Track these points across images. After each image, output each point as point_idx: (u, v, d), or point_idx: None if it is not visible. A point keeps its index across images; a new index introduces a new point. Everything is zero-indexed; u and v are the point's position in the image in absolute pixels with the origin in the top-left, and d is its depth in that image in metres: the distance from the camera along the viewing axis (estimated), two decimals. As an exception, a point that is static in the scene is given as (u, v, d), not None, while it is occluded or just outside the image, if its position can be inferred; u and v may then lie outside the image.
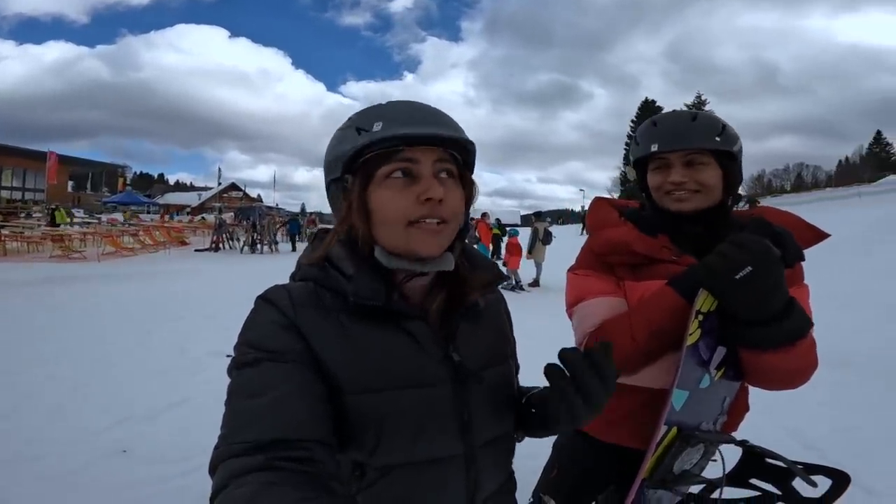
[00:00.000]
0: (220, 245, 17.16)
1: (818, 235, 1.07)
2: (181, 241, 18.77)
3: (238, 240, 18.05)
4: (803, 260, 0.99)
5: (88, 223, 21.81)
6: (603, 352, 0.70)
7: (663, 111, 1.25)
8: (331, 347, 0.65)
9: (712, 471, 1.01)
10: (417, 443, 0.66)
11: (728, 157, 1.04)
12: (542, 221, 10.43)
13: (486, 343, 0.78)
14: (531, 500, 1.24)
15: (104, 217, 26.54)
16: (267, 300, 0.68)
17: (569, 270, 1.18)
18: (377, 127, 0.67)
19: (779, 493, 0.95)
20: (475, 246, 11.33)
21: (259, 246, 17.10)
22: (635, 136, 1.13)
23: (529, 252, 9.88)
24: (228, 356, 0.65)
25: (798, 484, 0.92)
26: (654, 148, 1.05)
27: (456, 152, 0.71)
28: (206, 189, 52.45)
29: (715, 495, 0.96)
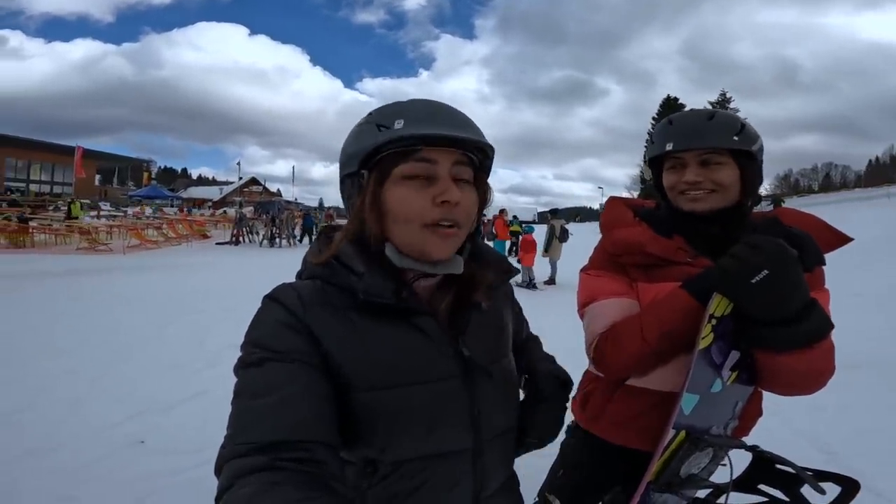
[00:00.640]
0: (241, 238, 17.40)
1: (841, 238, 1.03)
2: (203, 235, 19.10)
3: (257, 233, 18.28)
4: (824, 264, 0.96)
5: (114, 216, 22.34)
6: None
7: (685, 109, 1.23)
8: (341, 345, 0.65)
9: (720, 475, 1.00)
10: (428, 438, 0.67)
11: (746, 157, 1.01)
12: (559, 219, 10.34)
13: (494, 337, 0.79)
14: (536, 499, 1.24)
15: (130, 210, 27.12)
16: (274, 299, 0.68)
17: (581, 270, 1.17)
18: (398, 125, 0.66)
19: (787, 499, 0.93)
20: (492, 243, 11.37)
21: (278, 240, 17.30)
22: (651, 135, 1.12)
23: (546, 250, 9.80)
24: None
25: (807, 490, 0.91)
26: (669, 147, 1.03)
27: (474, 155, 0.71)
28: (227, 183, 53.17)
29: (721, 501, 0.95)
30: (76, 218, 16.68)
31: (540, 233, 10.14)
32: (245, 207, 21.47)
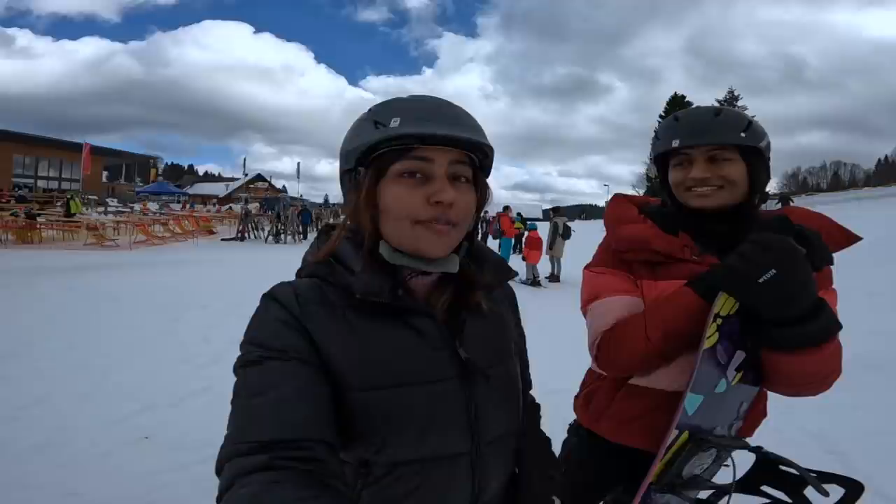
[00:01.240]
0: (246, 235, 17.47)
1: (849, 237, 1.02)
2: (209, 231, 19.19)
3: (263, 229, 18.34)
4: (832, 264, 0.95)
5: (122, 212, 22.48)
6: None
7: (692, 106, 1.22)
8: (337, 344, 0.65)
9: (723, 476, 1.00)
10: (424, 440, 0.66)
11: (754, 153, 1.00)
12: (561, 216, 10.34)
13: (492, 339, 0.77)
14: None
15: (137, 206, 27.26)
16: (272, 297, 0.68)
17: (585, 268, 1.16)
18: (394, 123, 0.66)
19: (790, 500, 0.93)
20: (497, 241, 11.34)
21: (283, 236, 17.35)
22: (656, 132, 1.11)
23: (550, 247, 9.80)
24: None
25: (811, 492, 0.90)
26: (676, 143, 1.02)
27: (473, 154, 0.70)
28: (233, 180, 53.35)
29: (723, 502, 0.94)
30: (74, 214, 16.68)
31: (542, 230, 10.12)
32: (251, 204, 21.50)
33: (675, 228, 1.06)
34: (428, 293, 0.73)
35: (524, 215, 14.32)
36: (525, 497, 0.80)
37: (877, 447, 2.72)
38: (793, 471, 0.90)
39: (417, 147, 0.65)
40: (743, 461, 0.97)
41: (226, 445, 0.56)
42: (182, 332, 5.08)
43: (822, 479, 0.89)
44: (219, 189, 49.80)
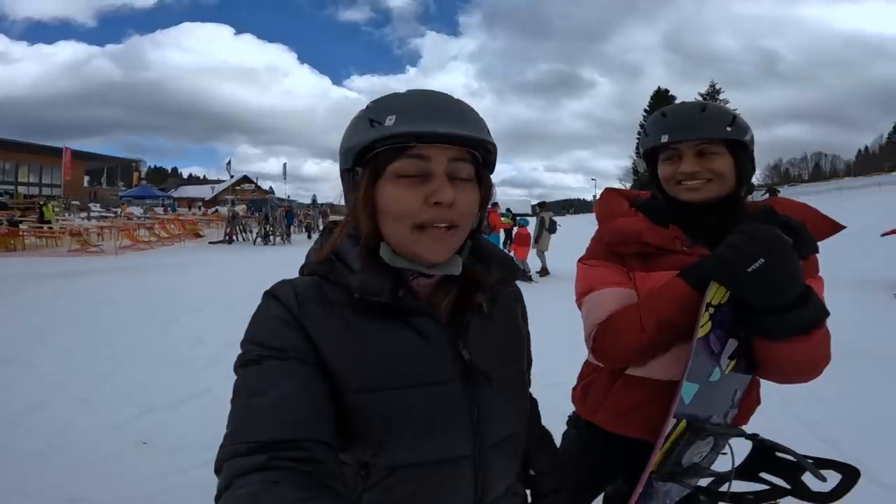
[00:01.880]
0: (234, 237, 17.31)
1: (833, 227, 1.04)
2: (196, 234, 18.99)
3: (251, 231, 18.19)
4: (817, 252, 0.98)
5: (104, 217, 22.15)
6: None
7: (675, 101, 1.24)
8: (335, 344, 0.64)
9: (721, 464, 1.01)
10: (424, 442, 0.65)
11: (740, 147, 1.03)
12: (547, 211, 10.42)
13: (498, 340, 0.75)
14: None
15: (120, 211, 26.89)
16: (272, 296, 0.67)
17: (579, 261, 1.17)
18: (390, 121, 0.63)
19: (788, 487, 0.94)
20: (486, 236, 11.32)
21: (272, 237, 17.23)
22: (644, 128, 1.12)
23: (536, 241, 9.87)
24: None
25: (808, 478, 0.92)
26: (665, 139, 1.04)
27: (475, 150, 0.68)
28: (219, 182, 52.75)
29: (724, 489, 0.96)
30: (49, 221, 16.35)
31: (531, 225, 10.19)
32: (237, 206, 21.30)
33: (666, 221, 1.08)
34: (431, 293, 0.71)
35: (513, 211, 14.36)
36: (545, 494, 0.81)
37: (868, 435, 2.77)
38: (790, 457, 0.91)
39: (414, 145, 0.63)
40: (740, 449, 0.99)
41: (225, 445, 0.55)
42: (177, 336, 5.05)
43: (819, 465, 0.90)
44: (204, 192, 49.27)
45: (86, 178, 40.92)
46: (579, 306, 1.14)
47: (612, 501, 1.23)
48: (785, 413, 2.96)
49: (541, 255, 9.95)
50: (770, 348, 0.91)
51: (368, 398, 0.63)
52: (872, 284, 6.90)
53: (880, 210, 12.48)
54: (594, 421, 1.18)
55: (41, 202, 19.37)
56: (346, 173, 0.70)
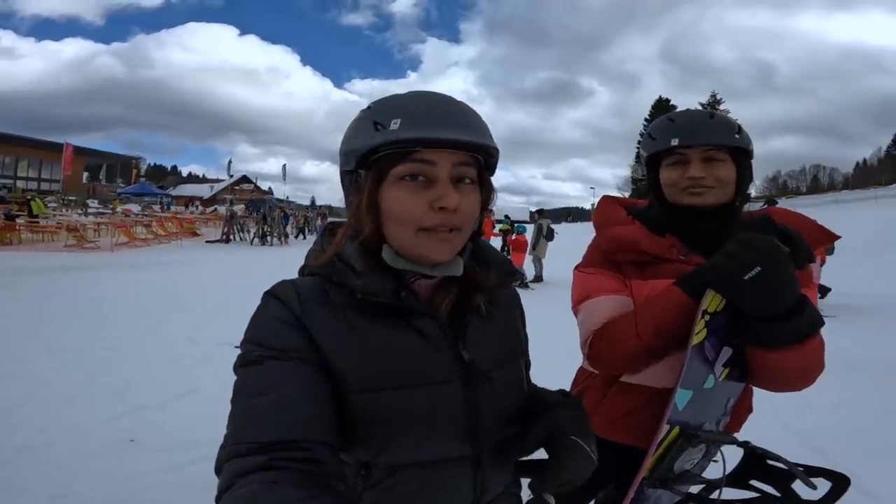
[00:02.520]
0: (231, 236, 17.28)
1: (829, 237, 1.06)
2: (193, 233, 18.95)
3: (248, 231, 18.16)
4: (813, 262, 0.99)
5: (102, 213, 22.10)
6: None
7: (676, 110, 1.25)
8: (336, 345, 0.64)
9: (713, 471, 1.01)
10: (424, 443, 0.65)
11: (744, 155, 1.04)
12: (546, 218, 10.47)
13: (497, 342, 0.75)
14: (530, 496, 1.24)
15: (119, 207, 26.82)
16: (273, 296, 0.67)
17: (575, 268, 1.18)
18: (395, 125, 0.63)
19: (778, 494, 0.95)
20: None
21: (269, 238, 17.21)
22: (649, 132, 1.12)
23: (533, 248, 9.89)
24: (237, 348, 0.65)
25: (798, 486, 0.92)
26: (675, 142, 1.04)
27: (477, 154, 0.68)
28: (218, 181, 52.69)
29: (714, 496, 0.96)
30: (37, 216, 16.13)
31: (528, 232, 10.23)
32: (236, 205, 21.27)
33: (662, 229, 1.09)
34: (431, 294, 0.72)
35: (511, 218, 14.38)
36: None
37: (857, 444, 2.77)
38: (781, 465, 0.92)
39: (419, 150, 0.63)
40: (731, 457, 0.99)
41: (225, 445, 0.55)
42: (169, 334, 5.02)
43: (810, 473, 0.91)
44: (203, 190, 49.15)
45: (85, 175, 40.84)
46: (575, 313, 1.14)
47: (604, 507, 1.22)
48: (774, 422, 2.96)
49: (537, 262, 9.97)
50: (764, 356, 0.91)
51: (370, 398, 0.63)
52: (867, 297, 6.92)
53: (879, 223, 12.52)
54: None
55: (29, 197, 19.02)
56: (347, 175, 0.70)
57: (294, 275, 0.74)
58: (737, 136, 1.02)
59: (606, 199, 1.24)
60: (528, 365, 0.87)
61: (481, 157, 0.69)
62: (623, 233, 1.10)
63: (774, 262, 0.82)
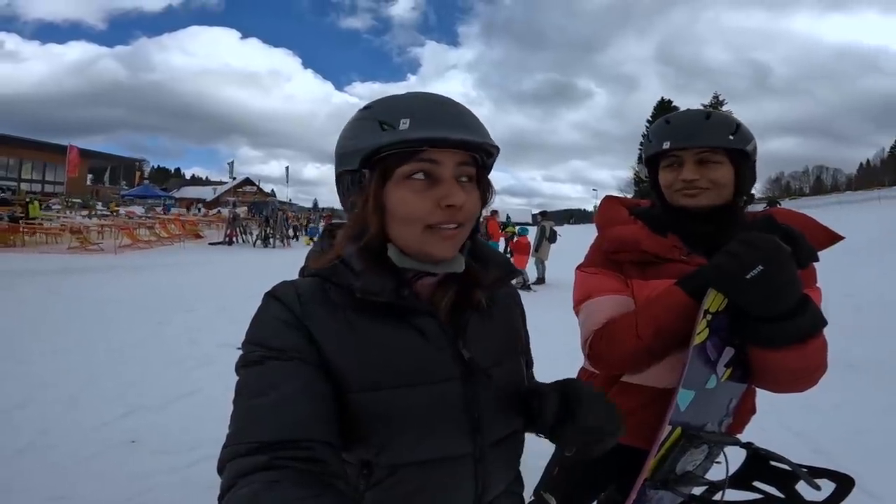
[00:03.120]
0: (234, 239, 17.32)
1: (832, 237, 1.05)
2: (196, 235, 18.99)
3: (251, 234, 18.19)
4: (817, 261, 0.98)
5: (105, 215, 22.17)
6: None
7: (678, 110, 1.24)
8: (337, 344, 0.64)
9: (716, 472, 1.00)
10: (426, 441, 0.65)
11: (741, 156, 1.03)
12: (548, 220, 10.45)
13: (497, 339, 0.76)
14: (532, 498, 1.24)
15: (122, 210, 26.89)
16: (274, 297, 0.67)
17: (577, 268, 1.18)
18: (404, 125, 0.64)
19: (782, 496, 0.94)
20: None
21: (272, 240, 17.23)
22: (647, 134, 1.12)
23: (536, 250, 9.88)
24: (238, 349, 0.66)
25: (802, 487, 0.91)
26: (667, 145, 1.04)
27: (477, 154, 0.69)
28: (221, 183, 52.82)
29: (717, 497, 0.95)
30: (34, 219, 16.05)
31: (530, 234, 10.22)
32: (239, 208, 21.32)
33: (665, 230, 1.08)
34: (431, 293, 0.72)
35: (512, 219, 14.38)
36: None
37: (860, 445, 2.75)
38: (784, 466, 0.91)
39: (426, 150, 0.64)
40: (735, 458, 0.98)
41: (227, 445, 0.56)
42: (170, 336, 5.02)
43: (813, 474, 0.90)
44: (206, 192, 49.28)
45: (89, 177, 40.97)
46: (576, 313, 1.14)
47: (606, 509, 1.22)
48: (777, 423, 2.94)
49: (539, 264, 9.96)
50: (766, 356, 0.91)
51: (370, 397, 0.64)
52: (870, 298, 6.88)
53: (883, 223, 12.46)
54: None
55: (27, 199, 18.98)
56: (347, 175, 0.69)
57: (296, 276, 0.75)
58: (731, 136, 1.01)
59: (609, 199, 1.24)
60: (529, 363, 0.88)
61: (479, 156, 0.70)
62: (625, 232, 1.10)
63: (776, 261, 0.81)
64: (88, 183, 40.36)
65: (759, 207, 1.25)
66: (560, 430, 0.72)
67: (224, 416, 0.59)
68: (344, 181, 0.71)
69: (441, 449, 0.67)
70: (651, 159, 1.11)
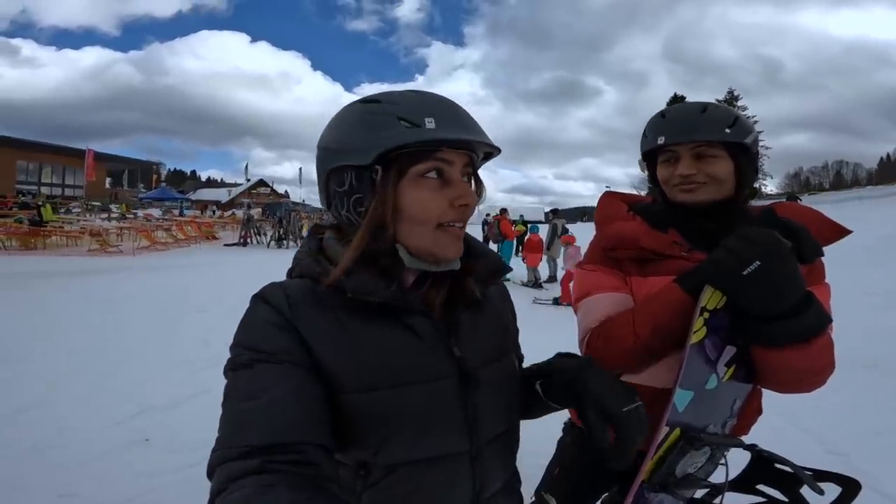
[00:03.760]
0: (249, 240, 17.50)
1: (839, 231, 1.00)
2: (212, 236, 19.23)
3: (265, 234, 18.36)
4: (822, 255, 0.95)
5: (125, 217, 22.56)
6: None
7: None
8: (328, 345, 0.64)
9: (720, 476, 0.98)
10: (422, 440, 0.65)
11: (740, 150, 0.99)
12: (560, 218, 10.42)
13: (489, 336, 0.76)
14: (533, 499, 1.22)
15: (140, 212, 27.33)
16: (262, 298, 0.67)
17: (576, 265, 1.16)
18: (430, 124, 0.63)
19: (786, 499, 0.91)
20: (494, 244, 11.31)
21: (285, 241, 17.37)
22: (644, 129, 1.10)
23: (548, 248, 9.84)
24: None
25: (808, 491, 0.88)
26: (661, 140, 1.01)
27: (476, 153, 0.70)
28: (235, 185, 53.51)
29: (717, 500, 0.92)
30: (47, 223, 16.17)
31: (543, 233, 10.18)
32: (253, 209, 21.54)
33: (665, 225, 1.06)
34: (424, 292, 0.72)
35: (524, 217, 14.33)
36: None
37: (877, 446, 2.69)
38: (788, 469, 0.88)
39: (442, 149, 0.65)
40: (742, 460, 0.95)
41: (217, 449, 0.55)
42: (182, 336, 5.08)
43: (818, 477, 0.87)
44: (221, 194, 49.91)
45: (107, 180, 41.73)
46: (576, 311, 1.12)
47: (608, 510, 1.19)
48: (791, 423, 2.89)
49: (551, 261, 9.92)
50: (769, 356, 0.87)
51: (364, 398, 0.63)
52: (887, 295, 6.71)
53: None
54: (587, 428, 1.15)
55: (39, 203, 19.16)
56: (348, 171, 0.66)
57: None
58: (728, 129, 0.97)
59: (608, 195, 1.22)
60: (521, 359, 0.87)
61: (476, 156, 0.71)
62: (623, 229, 1.07)
63: (775, 256, 0.78)
64: (107, 186, 41.10)
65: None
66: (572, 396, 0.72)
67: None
68: (341, 177, 0.67)
69: (437, 447, 0.66)
70: (649, 154, 1.09)
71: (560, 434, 1.29)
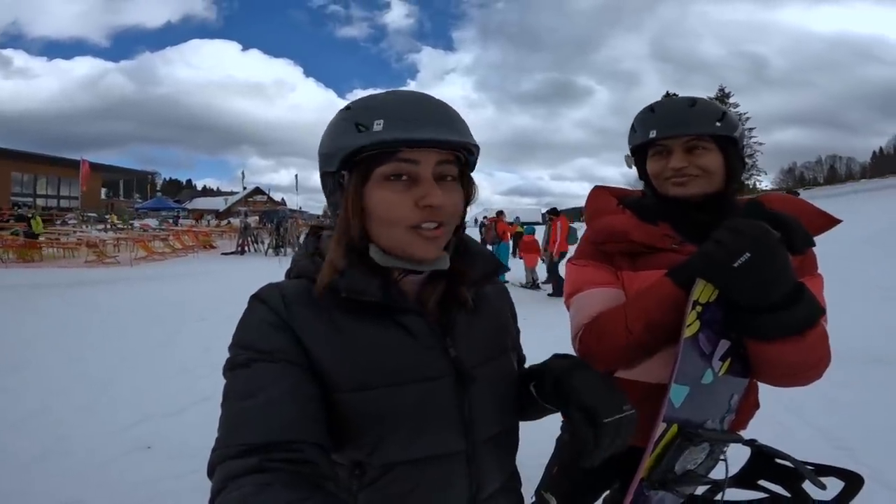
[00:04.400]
0: (246, 248, 17.46)
1: (829, 221, 1.00)
2: (209, 245, 19.18)
3: (262, 242, 18.33)
4: (813, 246, 0.95)
5: (121, 228, 22.49)
6: None
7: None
8: (323, 345, 0.64)
9: (721, 472, 0.97)
10: (418, 440, 0.65)
11: (729, 143, 1.00)
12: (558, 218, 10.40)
13: (485, 336, 0.75)
14: (533, 499, 1.22)
15: (136, 223, 27.24)
16: (259, 299, 0.67)
17: (568, 261, 1.16)
18: (378, 126, 0.63)
19: (788, 495, 0.90)
20: (490, 246, 11.31)
21: (283, 248, 17.33)
22: (632, 124, 1.10)
23: (545, 249, 9.83)
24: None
25: (810, 486, 0.88)
26: (653, 134, 1.02)
27: (458, 152, 0.68)
28: (232, 193, 53.34)
29: (718, 497, 0.92)
30: (37, 235, 15.99)
31: (539, 235, 10.17)
32: (250, 217, 21.48)
33: (655, 218, 1.06)
34: (419, 291, 0.72)
35: (520, 219, 14.34)
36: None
37: (885, 441, 2.67)
38: (789, 464, 0.88)
39: (402, 150, 0.63)
40: (742, 456, 0.95)
41: (216, 448, 0.56)
42: (182, 344, 5.09)
43: (820, 472, 0.86)
44: (218, 203, 49.73)
45: (103, 191, 41.59)
46: (567, 307, 1.11)
47: (609, 509, 1.19)
48: (799, 419, 2.88)
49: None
50: (763, 349, 0.86)
51: (360, 397, 0.64)
52: (892, 289, 6.72)
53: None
54: None
55: (29, 215, 18.79)
56: (329, 176, 0.69)
57: None
58: (718, 123, 0.99)
59: (597, 190, 1.22)
60: (521, 360, 0.87)
61: (462, 154, 0.69)
62: (613, 222, 1.07)
63: (764, 247, 0.78)
64: (103, 197, 40.96)
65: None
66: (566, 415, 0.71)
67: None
68: (327, 182, 0.70)
69: (433, 447, 0.67)
70: (638, 149, 1.09)
71: (559, 433, 1.28)
